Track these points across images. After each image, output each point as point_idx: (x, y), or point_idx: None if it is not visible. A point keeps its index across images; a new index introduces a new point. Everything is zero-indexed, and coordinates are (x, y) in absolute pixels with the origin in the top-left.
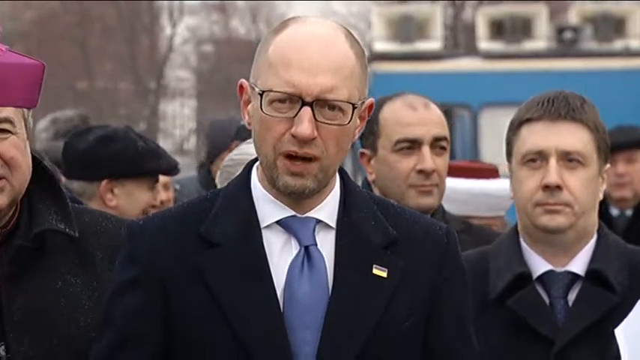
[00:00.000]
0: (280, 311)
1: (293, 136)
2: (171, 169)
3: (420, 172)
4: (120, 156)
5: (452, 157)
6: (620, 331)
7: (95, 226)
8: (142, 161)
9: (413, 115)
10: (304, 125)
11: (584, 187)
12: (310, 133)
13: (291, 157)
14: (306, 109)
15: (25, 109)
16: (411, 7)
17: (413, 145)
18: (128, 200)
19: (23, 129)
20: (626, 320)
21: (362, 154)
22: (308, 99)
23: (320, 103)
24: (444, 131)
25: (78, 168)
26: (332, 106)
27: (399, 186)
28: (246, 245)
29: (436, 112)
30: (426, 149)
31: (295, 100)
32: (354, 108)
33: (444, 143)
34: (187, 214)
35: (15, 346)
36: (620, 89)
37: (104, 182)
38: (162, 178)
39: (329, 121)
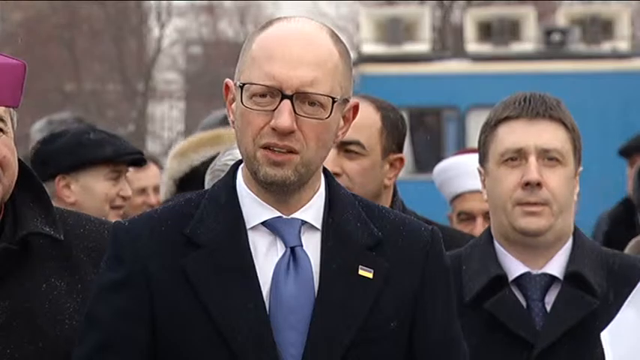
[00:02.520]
0: (266, 312)
1: (273, 129)
2: (120, 155)
3: None
4: (63, 150)
5: (439, 159)
6: (605, 335)
7: (79, 229)
8: (85, 151)
9: None
10: (284, 117)
11: (562, 186)
12: (290, 125)
13: (270, 148)
14: (286, 102)
15: (11, 109)
16: (400, 9)
17: None
18: (86, 194)
19: (11, 128)
20: (612, 324)
21: None
22: (288, 92)
23: (300, 97)
24: (358, 135)
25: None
26: (312, 100)
27: None
28: (232, 246)
29: (361, 115)
30: (330, 153)
31: (275, 93)
32: (333, 102)
33: (352, 147)
34: (173, 215)
35: (1, 348)
36: (608, 91)
37: (57, 179)
38: (153, 181)
39: (309, 115)
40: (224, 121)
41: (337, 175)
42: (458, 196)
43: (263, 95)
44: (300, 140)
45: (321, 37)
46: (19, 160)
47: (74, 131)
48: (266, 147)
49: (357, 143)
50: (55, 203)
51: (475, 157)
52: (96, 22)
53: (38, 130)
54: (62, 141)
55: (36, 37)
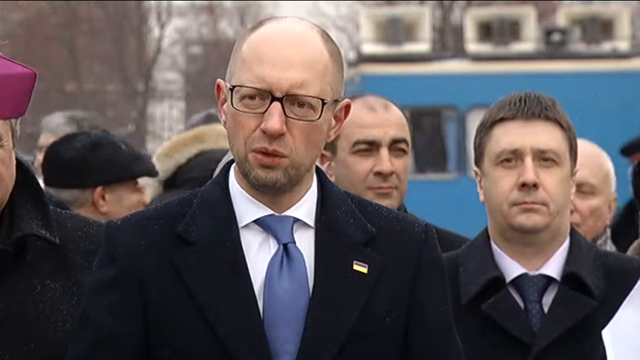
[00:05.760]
0: (259, 309)
1: (263, 131)
2: (153, 172)
3: (378, 173)
4: (111, 162)
5: (440, 158)
6: (607, 333)
7: (77, 232)
8: (131, 165)
9: (372, 117)
10: (274, 120)
11: (559, 186)
12: (280, 128)
13: (262, 152)
14: (276, 105)
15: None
16: (400, 9)
17: (371, 146)
18: (118, 205)
19: (10, 140)
20: (612, 322)
21: (322, 155)
22: (278, 94)
23: (290, 99)
24: (403, 133)
25: (68, 176)
26: (302, 102)
27: (356, 188)
28: (224, 244)
29: (396, 114)
30: (384, 151)
31: (265, 95)
32: (323, 104)
33: (402, 145)
34: (165, 213)
35: None
36: (608, 91)
37: (98, 189)
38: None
39: (299, 117)
40: (206, 120)
41: (392, 174)
42: None
43: (252, 97)
44: (289, 143)
45: (311, 38)
46: (19, 161)
47: (111, 143)
48: (257, 150)
49: (405, 141)
50: (85, 211)
51: None
52: (96, 22)
53: (62, 124)
54: (106, 152)
55: (36, 37)
